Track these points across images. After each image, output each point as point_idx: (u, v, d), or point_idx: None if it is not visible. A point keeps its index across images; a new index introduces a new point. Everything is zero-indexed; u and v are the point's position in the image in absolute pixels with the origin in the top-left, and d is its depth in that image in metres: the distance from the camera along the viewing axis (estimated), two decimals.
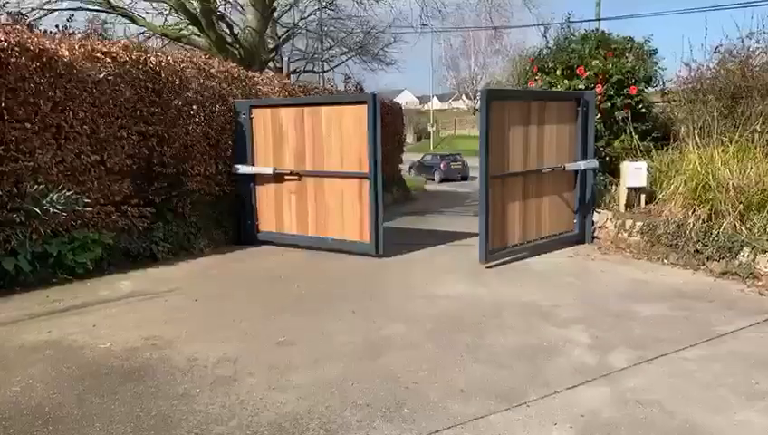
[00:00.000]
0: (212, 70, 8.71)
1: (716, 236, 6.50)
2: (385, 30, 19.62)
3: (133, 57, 7.35)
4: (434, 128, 45.12)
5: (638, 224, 7.62)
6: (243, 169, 8.74)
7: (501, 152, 7.26)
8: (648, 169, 8.16)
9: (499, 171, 7.25)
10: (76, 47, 6.87)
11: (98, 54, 7.00)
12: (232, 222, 8.93)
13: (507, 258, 7.47)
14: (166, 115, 7.73)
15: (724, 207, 6.56)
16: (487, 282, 6.47)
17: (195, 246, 8.06)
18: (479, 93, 7.63)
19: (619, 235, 7.86)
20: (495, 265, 7.19)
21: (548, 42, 10.79)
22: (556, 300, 5.74)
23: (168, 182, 7.87)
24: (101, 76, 6.92)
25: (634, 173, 8.15)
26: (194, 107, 8.14)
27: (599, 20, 14.30)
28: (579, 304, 5.60)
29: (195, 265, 7.50)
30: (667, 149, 9.00)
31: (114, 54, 7.17)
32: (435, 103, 55.41)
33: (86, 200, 6.74)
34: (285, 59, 18.09)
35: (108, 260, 7.03)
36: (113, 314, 5.44)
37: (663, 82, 10.11)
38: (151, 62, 7.55)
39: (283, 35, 17.44)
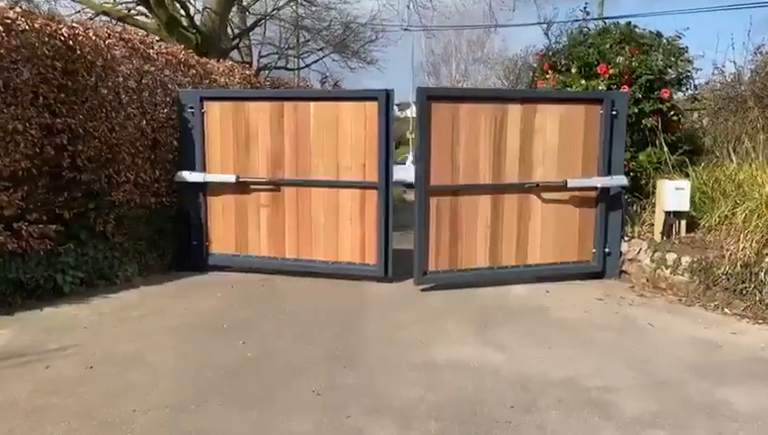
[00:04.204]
0: (150, 51, 6.91)
1: None
2: (366, 24, 17.85)
3: (36, 26, 5.52)
4: (413, 135, 43.67)
5: (685, 259, 6.03)
6: (191, 176, 6.97)
7: (449, 161, 6.32)
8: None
9: (447, 182, 6.32)
10: None
11: None
12: (173, 242, 7.14)
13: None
14: (82, 105, 5.91)
15: None
16: (502, 340, 4.79)
17: (119, 275, 6.26)
18: (415, 92, 6.25)
19: (659, 271, 6.26)
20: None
21: (550, 40, 9.28)
22: (606, 375, 4.08)
23: (84, 192, 6.06)
24: None
25: (675, 194, 6.56)
26: (122, 96, 6.35)
27: (603, 18, 12.86)
28: (643, 385, 3.93)
29: (113, 302, 5.68)
30: (704, 165, 7.51)
31: (8, 22, 5.34)
32: (414, 110, 54.02)
33: None
34: (256, 53, 16.30)
35: None
36: None
37: (695, 87, 8.55)
38: (62, 35, 5.73)
39: (251, 24, 15.61)
